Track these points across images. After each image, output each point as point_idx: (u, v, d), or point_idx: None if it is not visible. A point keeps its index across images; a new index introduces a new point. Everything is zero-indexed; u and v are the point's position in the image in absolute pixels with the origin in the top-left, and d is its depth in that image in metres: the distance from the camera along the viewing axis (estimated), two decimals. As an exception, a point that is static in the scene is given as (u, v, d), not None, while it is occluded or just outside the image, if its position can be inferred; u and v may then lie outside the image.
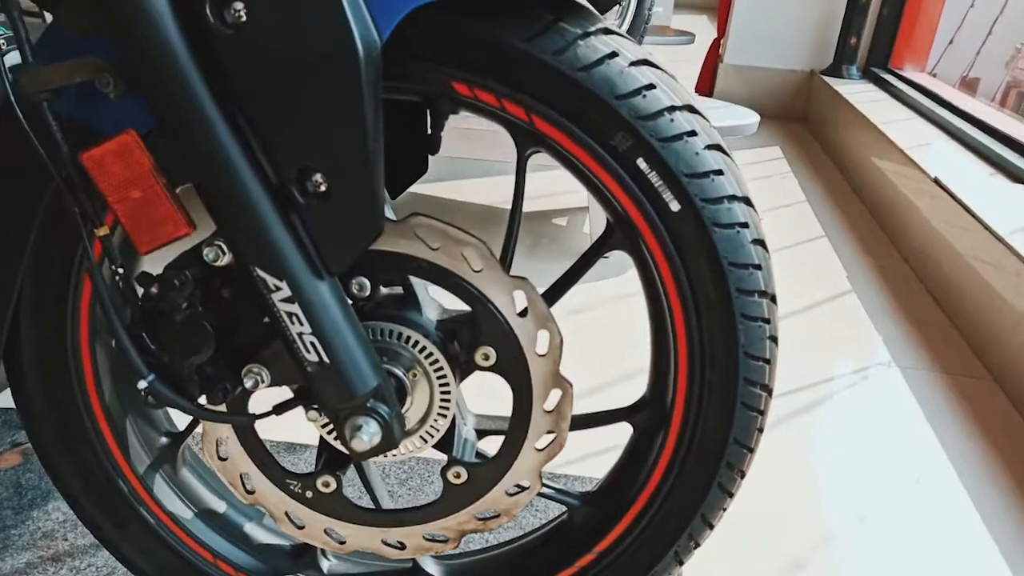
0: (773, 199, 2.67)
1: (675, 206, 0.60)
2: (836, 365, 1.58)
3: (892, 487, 1.19)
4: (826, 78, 3.56)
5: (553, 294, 0.67)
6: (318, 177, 0.54)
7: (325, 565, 0.78)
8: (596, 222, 2.06)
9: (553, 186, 2.32)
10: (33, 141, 0.52)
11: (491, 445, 0.71)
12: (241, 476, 0.68)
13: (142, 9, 0.49)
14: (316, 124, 0.52)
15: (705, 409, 0.65)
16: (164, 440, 0.75)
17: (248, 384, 0.60)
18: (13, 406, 1.04)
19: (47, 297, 0.65)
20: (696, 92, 4.09)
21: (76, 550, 0.97)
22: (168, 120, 0.52)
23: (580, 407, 0.68)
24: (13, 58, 0.67)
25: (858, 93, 3.26)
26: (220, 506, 0.77)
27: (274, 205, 0.54)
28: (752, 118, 2.05)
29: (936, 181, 2.07)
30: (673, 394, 0.67)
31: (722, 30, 3.87)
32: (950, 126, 2.61)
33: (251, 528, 0.78)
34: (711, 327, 0.63)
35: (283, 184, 0.54)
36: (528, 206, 2.48)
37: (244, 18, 0.50)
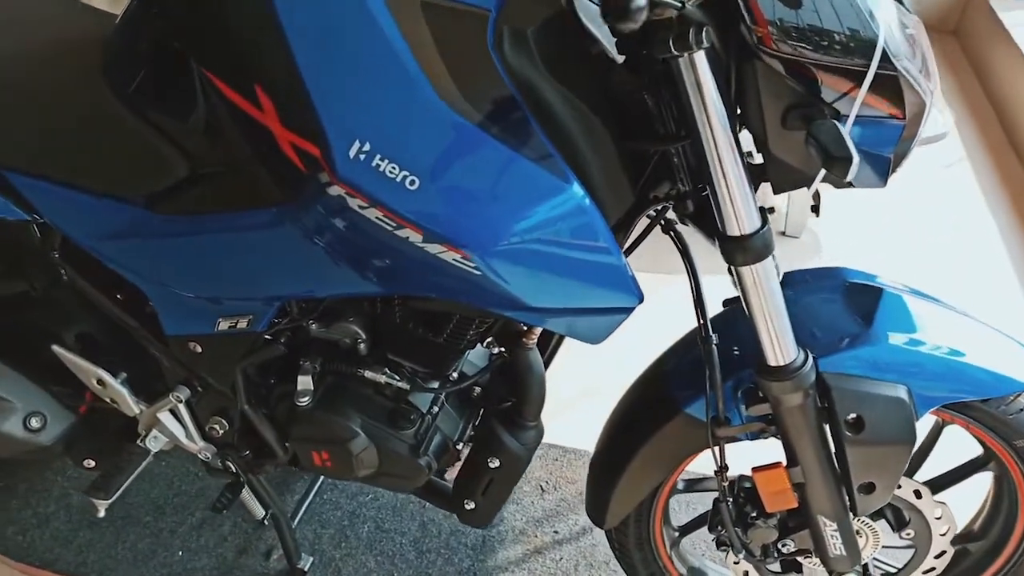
0: (934, 157, 2.90)
1: (1043, 472, 1.07)
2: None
3: None
4: (988, -4, 3.58)
5: (936, 488, 1.15)
6: (872, 482, 1.01)
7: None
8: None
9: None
10: (717, 471, 1.01)
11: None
12: (746, 572, 1.22)
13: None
14: (879, 465, 0.99)
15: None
16: (676, 535, 1.28)
17: (785, 549, 1.12)
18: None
19: (641, 511, 1.19)
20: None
21: (545, 545, 1.54)
22: (808, 476, 1.00)
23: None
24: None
25: (1022, 26, 3.32)
26: (696, 563, 1.32)
27: (838, 485, 1.02)
28: (943, 128, 2.31)
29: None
30: (1005, 543, 1.17)
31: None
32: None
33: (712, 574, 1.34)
34: (1043, 522, 1.12)
35: (849, 483, 1.01)
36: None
37: (858, 417, 0.95)
